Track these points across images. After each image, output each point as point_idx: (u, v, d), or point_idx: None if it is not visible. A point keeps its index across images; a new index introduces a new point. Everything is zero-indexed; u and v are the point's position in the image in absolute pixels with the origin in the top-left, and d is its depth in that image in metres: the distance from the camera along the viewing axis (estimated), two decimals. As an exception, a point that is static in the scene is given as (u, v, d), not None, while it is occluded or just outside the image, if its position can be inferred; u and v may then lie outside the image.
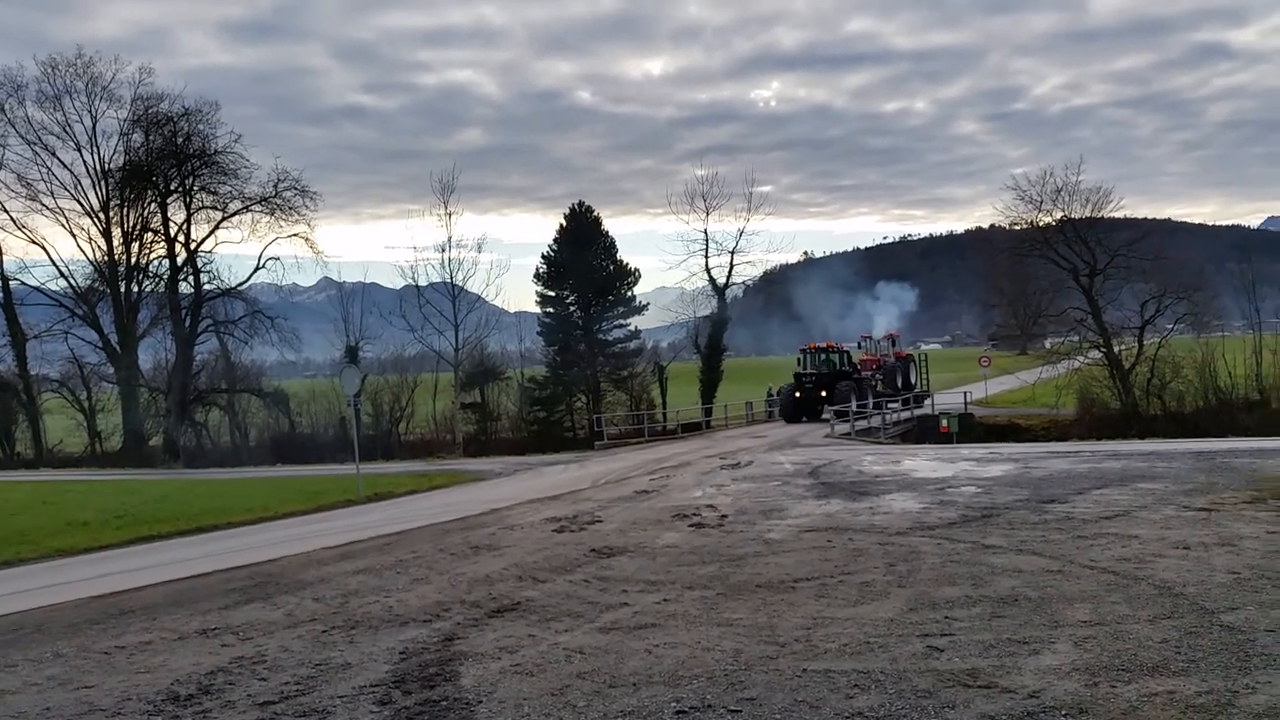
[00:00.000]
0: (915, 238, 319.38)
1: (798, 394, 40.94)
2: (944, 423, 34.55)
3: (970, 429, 36.60)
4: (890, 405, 38.49)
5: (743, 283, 55.28)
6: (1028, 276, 43.83)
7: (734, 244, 49.69)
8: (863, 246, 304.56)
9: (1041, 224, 42.81)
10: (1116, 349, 40.42)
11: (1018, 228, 44.57)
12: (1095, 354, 40.85)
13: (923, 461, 21.89)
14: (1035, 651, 7.05)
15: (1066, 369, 40.91)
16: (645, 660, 7.37)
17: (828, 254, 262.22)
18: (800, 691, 6.44)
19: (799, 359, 42.83)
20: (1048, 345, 45.99)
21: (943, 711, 5.95)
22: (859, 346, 46.96)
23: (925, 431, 36.18)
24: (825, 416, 38.56)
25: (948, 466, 20.43)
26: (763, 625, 8.20)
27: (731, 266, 50.14)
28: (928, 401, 43.45)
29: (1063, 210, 41.92)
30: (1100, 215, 42.01)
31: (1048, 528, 12.20)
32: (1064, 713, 5.83)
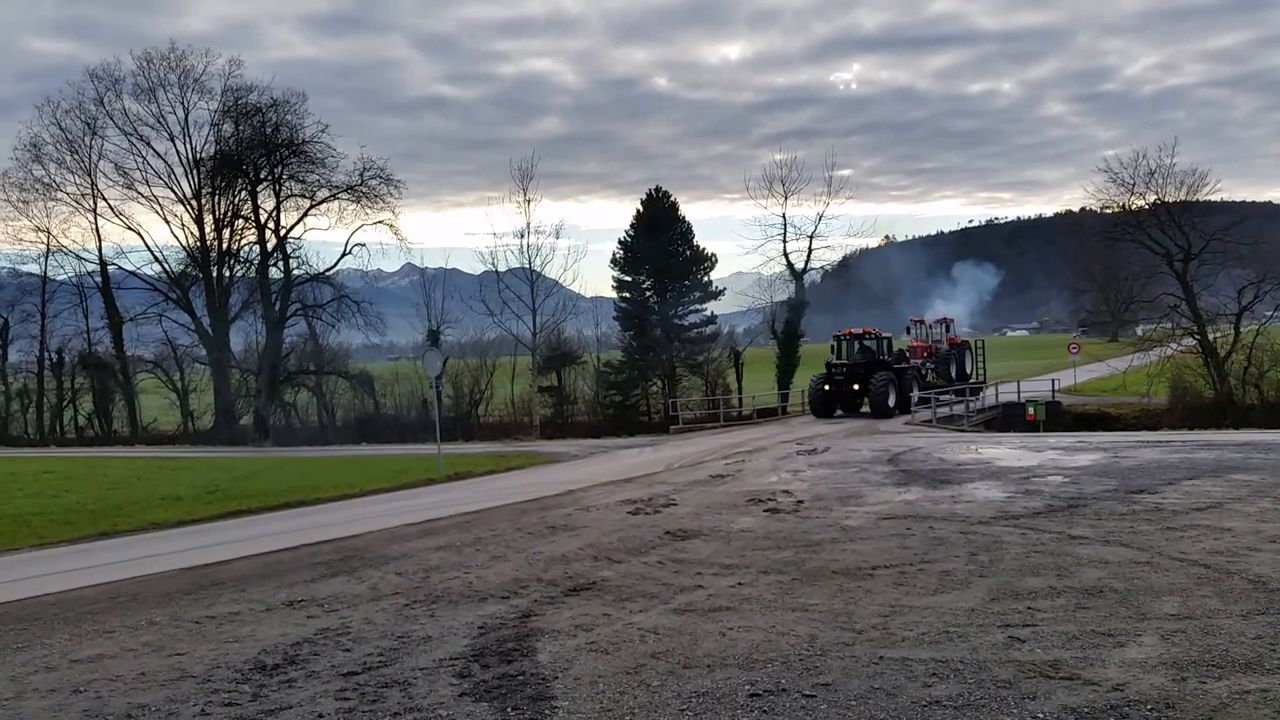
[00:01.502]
0: (1001, 221, 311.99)
1: (826, 386, 35.98)
2: (1031, 410, 33.74)
3: (1058, 417, 35.73)
4: (942, 397, 35.29)
5: (821, 267, 54.67)
6: (1119, 261, 42.45)
7: (813, 228, 49.15)
8: (947, 230, 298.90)
9: (1134, 207, 41.49)
10: (1211, 336, 39.01)
11: (1109, 211, 43.29)
12: (1189, 341, 39.47)
13: (1007, 450, 21.44)
14: (1120, 644, 6.87)
15: (1158, 356, 39.58)
16: (719, 642, 7.38)
17: (910, 238, 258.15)
18: (877, 679, 6.38)
19: (832, 346, 37.96)
20: (1139, 332, 44.54)
21: (1023, 702, 5.84)
22: (908, 332, 43.12)
23: (1011, 419, 35.39)
24: (865, 410, 35.23)
25: (1033, 455, 19.98)
26: (839, 611, 8.14)
27: (810, 251, 49.63)
28: (984, 393, 39.21)
29: (1156, 193, 40.56)
30: (1195, 198, 40.49)
31: (1136, 519, 11.85)
32: (1150, 707, 5.67)
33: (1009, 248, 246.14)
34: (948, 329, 43.72)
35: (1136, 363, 40.90)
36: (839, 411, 36.30)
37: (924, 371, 39.03)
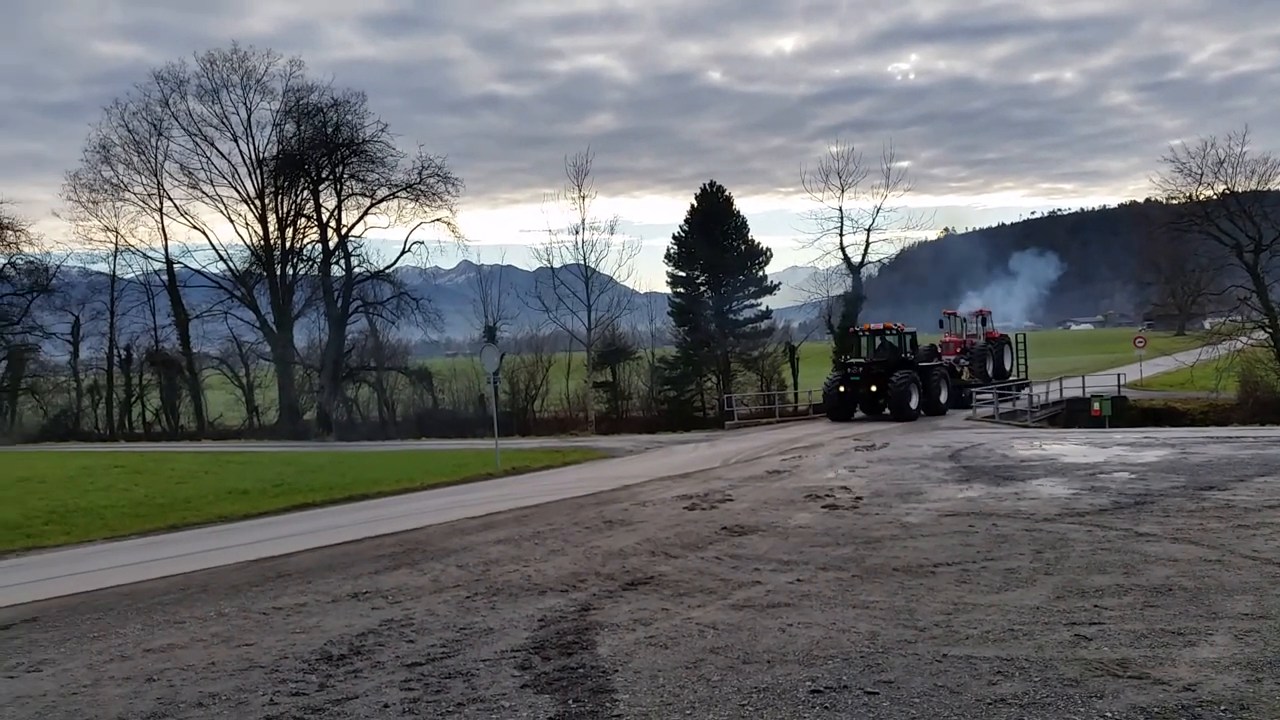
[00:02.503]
0: (1064, 212, 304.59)
1: (842, 388, 32.48)
2: (1096, 405, 33.06)
3: (1124, 412, 35.02)
4: (980, 396, 33.17)
5: (878, 261, 54.02)
6: (1186, 253, 41.46)
7: (870, 221, 48.58)
8: (1008, 222, 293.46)
9: (1201, 197, 40.45)
10: (1284, 329, 37.91)
11: (1175, 202, 42.26)
12: (1259, 334, 38.42)
13: (1072, 446, 21.05)
14: (1191, 643, 6.71)
15: (1228, 350, 38.51)
16: (779, 639, 7.36)
17: (970, 230, 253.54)
18: (940, 676, 6.31)
19: (848, 344, 36.14)
20: (1207, 325, 43.44)
21: (1090, 701, 5.74)
22: (940, 326, 40.57)
23: (1075, 415, 34.71)
24: (886, 412, 31.84)
25: (1099, 451, 19.59)
26: (900, 609, 8.06)
27: (868, 244, 49.05)
28: (1025, 391, 36.23)
29: (1225, 183, 39.52)
30: (1267, 188, 39.41)
31: (1206, 516, 11.57)
32: (1223, 708, 5.54)
33: (1072, 239, 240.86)
34: (984, 322, 41.11)
35: (1204, 357, 39.85)
36: (859, 414, 33.29)
37: (957, 368, 36.81)
